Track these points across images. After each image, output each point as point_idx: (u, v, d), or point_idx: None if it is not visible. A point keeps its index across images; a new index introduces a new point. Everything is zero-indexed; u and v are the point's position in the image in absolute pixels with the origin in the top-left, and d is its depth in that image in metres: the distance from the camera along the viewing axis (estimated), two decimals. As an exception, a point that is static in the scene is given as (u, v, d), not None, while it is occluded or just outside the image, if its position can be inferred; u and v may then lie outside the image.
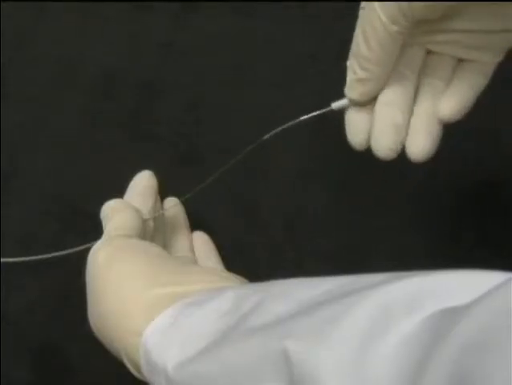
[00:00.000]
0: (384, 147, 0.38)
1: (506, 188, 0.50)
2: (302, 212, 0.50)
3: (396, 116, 0.38)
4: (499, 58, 0.38)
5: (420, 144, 0.37)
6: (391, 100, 0.38)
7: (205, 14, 0.57)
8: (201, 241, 0.47)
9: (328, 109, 0.40)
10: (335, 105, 0.40)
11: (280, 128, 0.41)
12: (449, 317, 0.23)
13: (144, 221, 0.42)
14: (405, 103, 0.38)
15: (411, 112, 0.38)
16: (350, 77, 0.38)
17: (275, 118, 0.53)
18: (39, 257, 0.44)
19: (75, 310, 0.41)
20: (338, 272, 0.30)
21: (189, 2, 0.57)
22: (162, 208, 0.46)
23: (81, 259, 0.40)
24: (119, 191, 0.44)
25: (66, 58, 0.55)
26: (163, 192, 0.46)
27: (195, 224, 0.48)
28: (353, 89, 0.39)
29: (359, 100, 0.39)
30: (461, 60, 0.38)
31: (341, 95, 0.39)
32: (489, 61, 0.38)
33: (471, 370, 0.21)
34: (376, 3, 0.36)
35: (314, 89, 0.53)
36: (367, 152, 0.47)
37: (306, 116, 0.41)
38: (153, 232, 0.43)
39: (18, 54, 0.56)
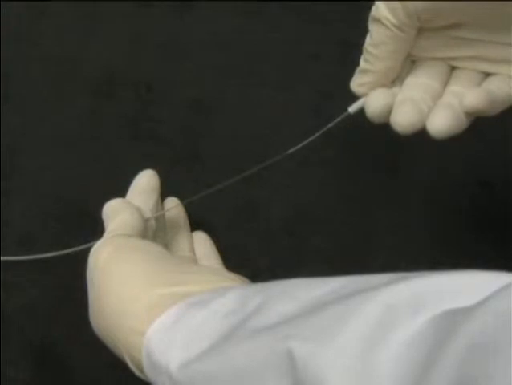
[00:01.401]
0: (401, 121, 0.37)
1: (506, 189, 0.50)
2: (303, 212, 0.50)
3: (417, 94, 0.37)
4: None
5: (441, 121, 0.36)
6: (415, 85, 0.38)
7: (205, 14, 0.57)
8: (202, 241, 0.47)
9: (346, 114, 0.40)
10: (352, 108, 0.39)
11: (303, 143, 0.41)
12: (454, 318, 0.23)
13: (146, 221, 0.42)
14: (428, 96, 0.37)
15: (433, 97, 0.37)
16: (356, 69, 0.39)
17: (275, 118, 0.53)
18: (39, 256, 0.44)
19: (76, 310, 0.41)
20: (339, 272, 0.30)
21: (190, 2, 0.57)
22: (163, 208, 0.47)
23: (81, 259, 0.40)
24: (119, 191, 0.44)
25: (66, 58, 0.55)
26: (163, 192, 0.46)
27: (195, 225, 0.48)
28: (354, 80, 0.39)
29: (358, 91, 0.39)
30: (487, 74, 0.38)
31: (341, 95, 0.39)
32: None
33: (475, 371, 0.21)
34: (380, 1, 0.36)
35: (314, 89, 0.53)
36: (367, 153, 0.47)
37: (327, 127, 0.40)
38: (155, 232, 0.43)
39: (18, 54, 0.56)
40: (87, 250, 0.39)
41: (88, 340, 0.38)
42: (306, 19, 0.57)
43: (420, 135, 0.39)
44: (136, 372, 0.35)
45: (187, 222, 0.47)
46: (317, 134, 0.40)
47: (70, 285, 0.46)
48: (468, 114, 0.36)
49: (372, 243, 0.49)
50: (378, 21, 0.37)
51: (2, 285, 0.47)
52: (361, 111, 0.39)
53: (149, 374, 0.34)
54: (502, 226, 0.48)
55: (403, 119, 0.37)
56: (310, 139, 0.40)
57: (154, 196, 0.44)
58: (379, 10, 0.36)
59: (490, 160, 0.51)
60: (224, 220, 0.49)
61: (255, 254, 0.48)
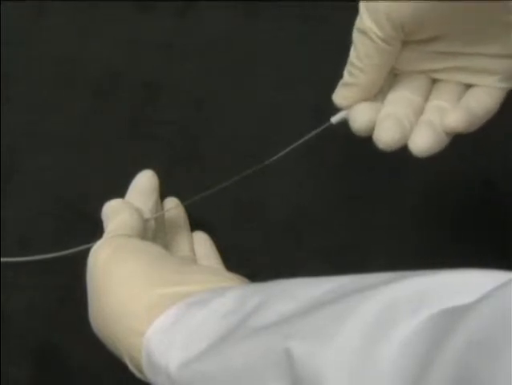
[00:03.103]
0: (384, 139, 0.37)
1: (509, 188, 0.50)
2: (302, 212, 0.50)
3: (399, 110, 0.37)
4: (506, 84, 0.38)
5: (422, 140, 0.37)
6: (398, 100, 0.38)
7: (205, 14, 0.57)
8: (202, 241, 0.47)
9: (328, 124, 0.40)
10: (335, 119, 0.40)
11: (281, 153, 0.41)
12: (453, 316, 0.23)
13: (145, 221, 0.42)
14: (410, 111, 0.38)
15: (416, 112, 0.38)
16: (340, 82, 0.39)
17: (275, 118, 0.53)
18: (39, 257, 0.44)
19: (75, 310, 0.41)
20: (339, 272, 0.30)
21: (190, 2, 0.57)
22: (162, 208, 0.46)
23: (81, 259, 0.40)
24: (119, 191, 0.44)
25: (66, 58, 0.55)
26: (163, 192, 0.46)
27: (195, 225, 0.48)
28: (337, 92, 0.39)
29: (341, 104, 0.39)
30: (468, 85, 0.38)
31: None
32: (495, 85, 0.38)
33: (474, 369, 0.21)
34: (363, 10, 0.36)
35: (314, 89, 0.53)
36: (367, 153, 0.47)
37: (307, 137, 0.40)
38: (154, 232, 0.43)
39: (18, 54, 0.56)
40: (87, 250, 0.40)
41: (88, 340, 0.38)
42: (307, 19, 0.57)
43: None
44: (136, 372, 0.35)
45: (187, 222, 0.47)
46: (298, 142, 0.41)
47: (70, 285, 0.46)
48: (448, 134, 0.37)
49: (372, 243, 0.49)
50: (363, 33, 0.36)
51: (1, 286, 0.47)
52: (344, 122, 0.39)
53: (149, 374, 0.34)
54: (504, 225, 0.48)
55: (386, 137, 0.37)
56: (292, 146, 0.41)
57: (153, 196, 0.44)
58: (364, 22, 0.36)
59: (493, 159, 0.51)
60: (224, 220, 0.49)
61: (255, 254, 0.48)
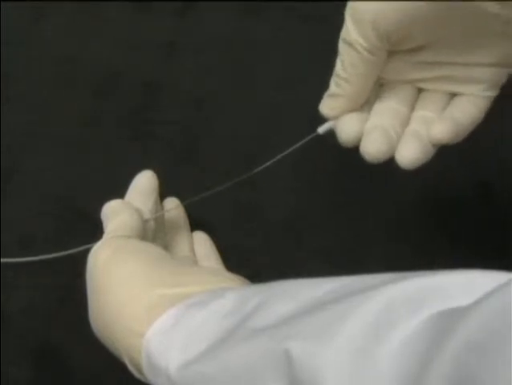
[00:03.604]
0: (371, 151, 0.37)
1: (505, 189, 0.50)
2: (302, 212, 0.50)
3: (386, 121, 0.38)
4: (491, 92, 0.38)
5: (409, 153, 0.37)
6: (384, 111, 0.38)
7: (205, 14, 0.57)
8: (202, 241, 0.47)
9: (314, 134, 0.40)
10: (322, 129, 0.40)
11: (269, 162, 0.41)
12: (452, 317, 0.23)
13: (145, 222, 0.42)
14: (396, 122, 0.38)
15: (402, 122, 0.38)
16: (326, 92, 0.39)
17: (275, 118, 0.53)
18: (39, 257, 0.44)
19: (75, 310, 0.41)
20: (338, 272, 0.30)
21: (190, 2, 0.57)
22: (162, 208, 0.46)
23: (81, 259, 0.40)
24: (119, 191, 0.44)
25: (66, 58, 0.55)
26: (163, 192, 0.46)
27: (195, 225, 0.48)
28: (324, 103, 0.39)
29: (328, 114, 0.39)
30: (454, 94, 0.39)
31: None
32: (480, 94, 0.38)
33: (473, 370, 0.21)
34: (349, 21, 0.36)
35: (314, 89, 0.53)
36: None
37: (293, 147, 0.41)
38: (154, 233, 0.43)
39: (18, 54, 0.56)
40: (87, 250, 0.40)
41: (88, 340, 0.38)
42: (307, 19, 0.57)
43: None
44: (135, 373, 0.35)
45: (187, 222, 0.47)
46: (285, 152, 0.41)
47: (70, 285, 0.46)
48: (434, 145, 0.37)
49: (372, 243, 0.49)
50: (348, 44, 0.36)
51: (1, 286, 0.47)
52: (331, 132, 0.39)
53: (149, 375, 0.34)
54: (503, 226, 0.48)
55: (373, 149, 0.37)
56: (280, 156, 0.41)
57: (153, 196, 0.44)
58: (350, 32, 0.36)
59: (490, 160, 0.51)
60: (224, 221, 0.49)
61: (255, 254, 0.48)
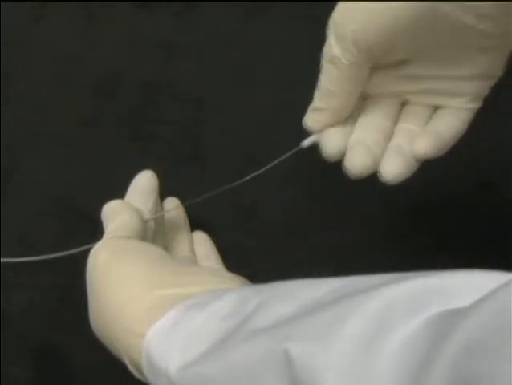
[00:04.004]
0: (355, 167, 0.37)
1: (508, 190, 0.50)
2: (302, 213, 0.50)
3: (369, 136, 0.38)
4: (474, 104, 0.39)
5: (392, 168, 0.37)
6: (367, 125, 0.39)
7: (205, 14, 0.57)
8: (202, 242, 0.47)
9: (298, 148, 0.40)
10: (305, 143, 0.40)
11: (253, 175, 0.42)
12: (452, 318, 0.23)
13: (145, 222, 0.42)
14: (380, 136, 0.38)
15: (386, 136, 0.38)
16: (310, 105, 0.39)
17: (275, 118, 0.53)
18: (39, 258, 0.44)
19: (75, 310, 0.41)
20: (338, 273, 0.30)
21: (190, 2, 0.57)
22: (162, 208, 0.46)
23: (81, 259, 0.40)
24: (119, 191, 0.44)
25: (66, 58, 0.55)
26: (163, 192, 0.46)
27: (195, 225, 0.48)
28: (308, 117, 0.40)
29: (312, 128, 0.39)
30: (437, 107, 0.39)
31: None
32: (463, 107, 0.38)
33: (473, 370, 0.21)
34: (331, 37, 0.36)
35: (314, 89, 0.53)
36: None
37: (278, 160, 0.41)
38: (154, 233, 0.43)
39: (18, 54, 0.56)
40: (87, 250, 0.40)
41: (88, 340, 0.38)
42: (307, 19, 0.57)
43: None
44: (135, 373, 0.35)
45: (187, 222, 0.47)
46: (270, 165, 0.41)
47: (70, 285, 0.46)
48: (417, 160, 0.37)
49: (372, 244, 0.49)
50: (331, 59, 0.37)
51: (1, 286, 0.47)
52: (314, 145, 0.40)
53: (149, 375, 0.34)
54: (503, 227, 0.48)
55: (357, 165, 0.37)
56: (266, 167, 0.42)
57: (153, 196, 0.44)
58: (333, 48, 0.36)
59: (491, 161, 0.51)
60: (224, 221, 0.49)
61: (255, 254, 0.48)
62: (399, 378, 0.23)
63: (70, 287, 0.46)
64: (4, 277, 0.47)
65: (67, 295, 0.47)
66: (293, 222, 0.49)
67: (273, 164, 0.41)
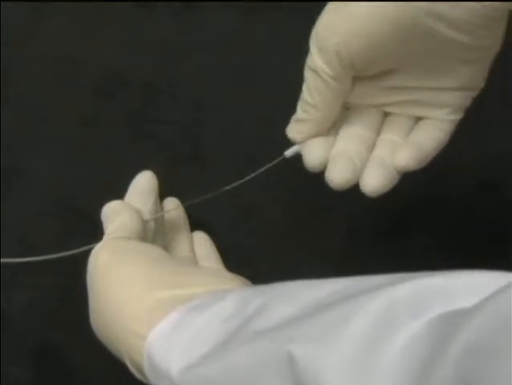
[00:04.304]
0: (336, 179, 0.38)
1: (509, 190, 0.50)
2: (302, 213, 0.50)
3: (351, 147, 0.38)
4: (455, 115, 0.39)
5: (373, 181, 0.37)
6: (350, 137, 0.39)
7: (205, 14, 0.57)
8: (202, 242, 0.47)
9: (281, 158, 0.41)
10: (288, 153, 0.40)
11: (241, 181, 0.42)
12: (454, 319, 0.23)
13: (145, 222, 0.42)
14: (362, 148, 0.38)
15: (368, 147, 0.39)
16: (293, 116, 0.40)
17: (275, 118, 0.53)
18: (39, 258, 0.44)
19: (75, 310, 0.41)
20: (340, 273, 0.30)
21: (190, 2, 0.57)
22: (162, 208, 0.46)
23: (81, 259, 0.40)
24: (119, 191, 0.44)
25: (66, 58, 0.55)
26: (163, 192, 0.46)
27: (195, 225, 0.48)
28: (291, 128, 0.40)
29: (295, 139, 0.39)
30: (419, 118, 0.39)
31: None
32: (444, 118, 0.39)
33: (476, 372, 0.21)
34: (313, 49, 0.37)
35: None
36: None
37: (261, 169, 0.41)
38: (154, 233, 0.43)
39: (17, 55, 0.56)
40: (88, 250, 0.40)
41: (88, 340, 0.38)
42: (307, 19, 0.57)
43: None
44: (137, 374, 0.35)
45: (187, 222, 0.47)
46: (251, 176, 0.42)
47: (70, 285, 0.46)
48: (399, 172, 0.38)
49: (372, 244, 0.49)
50: (314, 71, 0.37)
51: (1, 286, 0.47)
52: (297, 155, 0.40)
53: (150, 377, 0.34)
54: (504, 228, 0.48)
55: (338, 178, 0.38)
56: (249, 176, 0.42)
57: (153, 197, 0.43)
58: (315, 60, 0.37)
59: (491, 161, 0.51)
60: (224, 221, 0.49)
61: (255, 254, 0.48)
62: (402, 379, 0.23)
63: (70, 287, 0.46)
64: (4, 277, 0.47)
65: (67, 295, 0.47)
66: (293, 222, 0.49)
67: (256, 173, 0.42)
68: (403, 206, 0.50)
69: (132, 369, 0.35)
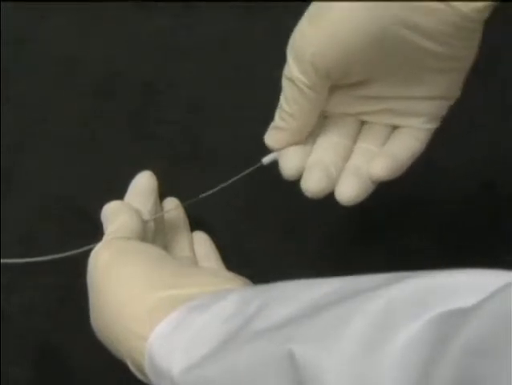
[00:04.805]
0: (310, 188, 0.38)
1: (509, 189, 0.50)
2: (302, 213, 0.50)
3: (327, 156, 0.39)
4: (431, 124, 0.39)
5: (347, 190, 0.38)
6: (326, 146, 0.39)
7: (205, 14, 0.57)
8: (202, 241, 0.47)
9: (259, 165, 0.41)
10: (266, 160, 0.41)
11: (215, 189, 0.42)
12: (453, 319, 0.23)
13: (145, 223, 0.42)
14: (338, 156, 0.39)
15: (344, 156, 0.39)
16: (272, 123, 0.40)
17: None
18: (40, 259, 0.44)
19: (75, 310, 0.41)
20: (339, 273, 0.30)
21: (190, 2, 0.57)
22: (162, 208, 0.46)
23: (81, 259, 0.40)
24: (119, 191, 0.44)
25: (66, 58, 0.55)
26: (163, 192, 0.46)
27: (195, 225, 0.48)
28: (269, 135, 0.40)
29: (273, 146, 0.40)
30: (395, 127, 0.40)
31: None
32: (420, 127, 0.39)
33: (476, 371, 0.21)
34: (290, 59, 0.37)
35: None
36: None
37: (238, 176, 0.42)
38: (154, 233, 0.43)
39: (18, 55, 0.56)
40: (88, 250, 0.40)
41: (88, 340, 0.38)
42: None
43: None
44: (137, 374, 0.35)
45: (187, 222, 0.47)
46: (229, 182, 0.42)
47: (70, 285, 0.46)
48: (374, 182, 0.38)
49: (372, 243, 0.49)
50: (291, 81, 0.37)
51: (1, 286, 0.47)
52: (275, 163, 0.40)
53: (152, 377, 0.34)
54: (504, 227, 0.48)
55: (313, 187, 0.38)
56: (224, 184, 0.42)
57: (152, 197, 0.43)
58: (291, 70, 0.37)
59: (492, 161, 0.51)
60: (224, 220, 0.49)
61: (255, 254, 0.48)
62: (402, 379, 0.23)
63: (70, 287, 0.46)
64: (4, 277, 0.47)
65: (67, 295, 0.47)
66: (293, 222, 0.49)
67: (233, 179, 0.42)
68: (402, 206, 0.50)
69: (132, 369, 0.35)
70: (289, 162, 0.39)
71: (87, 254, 0.39)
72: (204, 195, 0.43)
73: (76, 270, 0.40)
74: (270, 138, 0.40)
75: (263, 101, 0.54)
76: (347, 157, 0.39)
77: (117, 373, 0.38)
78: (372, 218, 0.49)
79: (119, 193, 0.44)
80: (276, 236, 0.49)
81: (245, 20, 0.57)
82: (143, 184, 0.44)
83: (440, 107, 0.39)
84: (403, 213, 0.50)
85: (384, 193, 0.50)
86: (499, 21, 0.36)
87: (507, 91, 0.52)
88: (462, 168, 0.51)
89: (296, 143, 0.39)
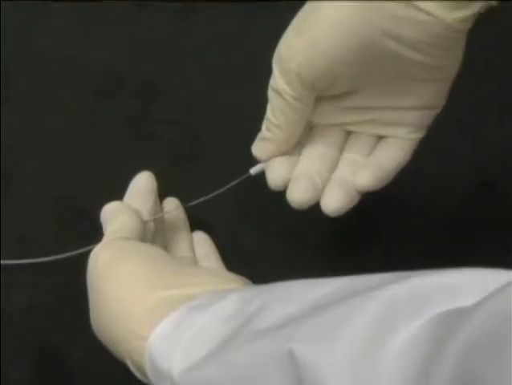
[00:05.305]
0: (296, 199, 0.38)
1: (506, 189, 0.50)
2: (302, 212, 0.50)
3: (313, 167, 0.39)
4: (417, 134, 0.40)
5: (333, 201, 0.38)
6: (312, 156, 0.39)
7: (205, 14, 0.57)
8: (202, 241, 0.47)
9: (247, 175, 0.41)
10: (254, 170, 0.41)
11: (207, 197, 0.43)
12: (453, 318, 0.23)
13: (145, 223, 0.42)
14: (324, 167, 0.39)
15: (330, 167, 0.39)
16: (258, 134, 0.40)
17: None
18: (39, 259, 0.44)
19: (75, 310, 0.41)
20: (339, 272, 0.30)
21: (190, 2, 0.57)
22: (162, 208, 0.46)
23: (81, 259, 0.40)
24: (119, 191, 0.44)
25: (66, 58, 0.55)
26: (163, 192, 0.46)
27: (195, 225, 0.48)
28: (256, 146, 0.41)
29: (260, 157, 0.40)
30: (380, 137, 0.40)
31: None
32: (406, 137, 0.39)
33: (476, 371, 0.21)
34: (276, 70, 0.38)
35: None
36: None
37: (228, 185, 0.42)
38: (154, 233, 0.43)
39: (18, 54, 0.56)
40: (87, 251, 0.40)
41: (88, 340, 0.38)
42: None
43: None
44: (137, 374, 0.35)
45: (187, 222, 0.47)
46: (219, 191, 0.42)
47: (70, 285, 0.46)
48: (359, 192, 0.39)
49: (372, 243, 0.49)
50: (277, 92, 0.38)
51: (1, 286, 0.47)
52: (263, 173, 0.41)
53: (152, 377, 0.34)
54: (504, 227, 0.48)
55: (298, 198, 0.39)
56: (216, 192, 0.43)
57: (152, 197, 0.44)
58: (277, 81, 0.38)
59: (490, 160, 0.51)
60: (224, 220, 0.49)
61: (255, 254, 0.48)
62: (402, 378, 0.23)
63: (70, 287, 0.46)
64: (4, 277, 0.47)
65: (67, 295, 0.47)
66: (293, 222, 0.49)
67: (222, 189, 0.43)
68: (401, 206, 0.50)
69: (132, 369, 0.35)
70: (275, 173, 0.40)
71: (87, 254, 0.39)
72: (205, 198, 0.43)
73: (76, 270, 0.40)
74: (257, 149, 0.41)
75: (263, 101, 0.54)
76: (332, 167, 0.39)
77: (117, 373, 0.38)
78: (372, 218, 0.49)
79: (119, 193, 0.44)
80: (276, 236, 0.49)
81: (246, 20, 0.57)
82: (142, 184, 0.44)
83: (425, 117, 0.39)
84: (400, 213, 0.50)
85: (384, 193, 0.50)
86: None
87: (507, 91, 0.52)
88: (460, 166, 0.51)
89: (282, 154, 0.40)
